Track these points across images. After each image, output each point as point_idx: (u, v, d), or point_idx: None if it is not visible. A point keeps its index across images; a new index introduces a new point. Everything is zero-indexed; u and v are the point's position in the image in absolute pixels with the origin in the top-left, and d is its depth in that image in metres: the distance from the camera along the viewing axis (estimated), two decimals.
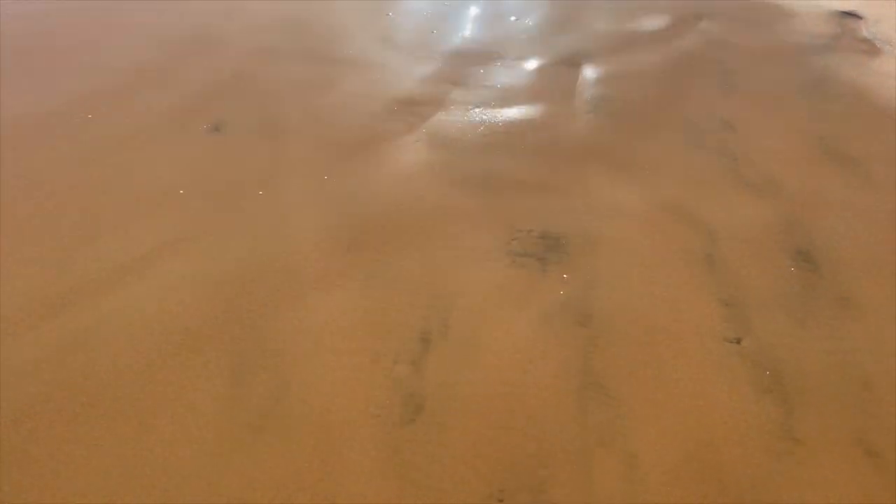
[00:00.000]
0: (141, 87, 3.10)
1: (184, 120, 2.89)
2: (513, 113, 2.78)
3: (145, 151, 2.72)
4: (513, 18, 3.42)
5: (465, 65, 3.13)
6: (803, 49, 3.01)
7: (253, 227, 2.34)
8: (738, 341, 1.85)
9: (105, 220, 2.43)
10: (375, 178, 2.52)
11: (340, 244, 2.25)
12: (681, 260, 2.09)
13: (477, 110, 2.83)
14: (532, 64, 3.07)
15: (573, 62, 3.06)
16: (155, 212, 2.44)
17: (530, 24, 3.36)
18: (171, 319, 2.05)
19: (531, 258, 2.14)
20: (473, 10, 3.52)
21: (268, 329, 2.04)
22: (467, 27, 3.38)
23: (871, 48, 2.92)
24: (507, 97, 2.89)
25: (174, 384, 1.86)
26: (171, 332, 2.01)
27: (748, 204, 2.26)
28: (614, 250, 2.14)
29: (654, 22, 3.29)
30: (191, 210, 2.43)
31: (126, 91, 3.04)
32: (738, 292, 1.98)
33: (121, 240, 2.34)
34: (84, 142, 2.79)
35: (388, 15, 3.54)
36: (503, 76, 3.02)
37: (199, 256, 2.25)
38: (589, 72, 2.98)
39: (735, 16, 3.27)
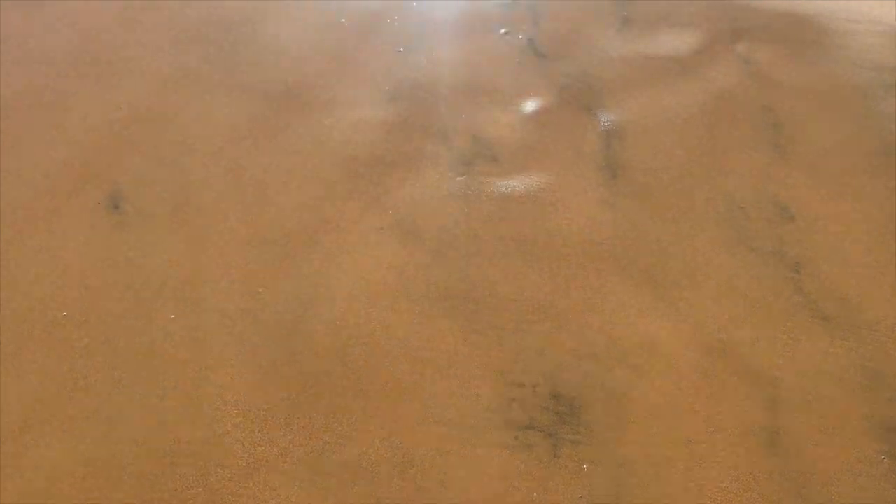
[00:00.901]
0: (6, 135, 2.39)
1: (70, 190, 2.24)
2: (506, 186, 2.22)
3: (13, 246, 2.08)
4: (503, 31, 2.77)
5: (443, 103, 2.51)
6: (868, 90, 2.48)
7: (159, 383, 1.78)
8: None
9: None
10: (327, 293, 1.96)
11: (277, 413, 1.72)
12: (738, 442, 1.64)
13: (460, 179, 2.25)
14: (530, 105, 2.47)
15: (582, 103, 2.47)
16: (21, 354, 1.85)
17: (525, 40, 2.72)
18: None
19: (538, 433, 1.66)
20: (452, 19, 2.84)
21: None
22: (445, 44, 2.72)
23: None
24: (499, 158, 2.31)
25: None
26: None
27: (818, 345, 1.80)
28: (649, 422, 1.67)
29: (680, 42, 2.69)
30: (75, 350, 1.85)
31: None
32: (817, 498, 1.55)
33: None
34: None
35: (341, 21, 2.84)
36: (493, 124, 2.42)
37: (86, 436, 1.69)
38: (603, 120, 2.40)
39: (779, 34, 2.69)
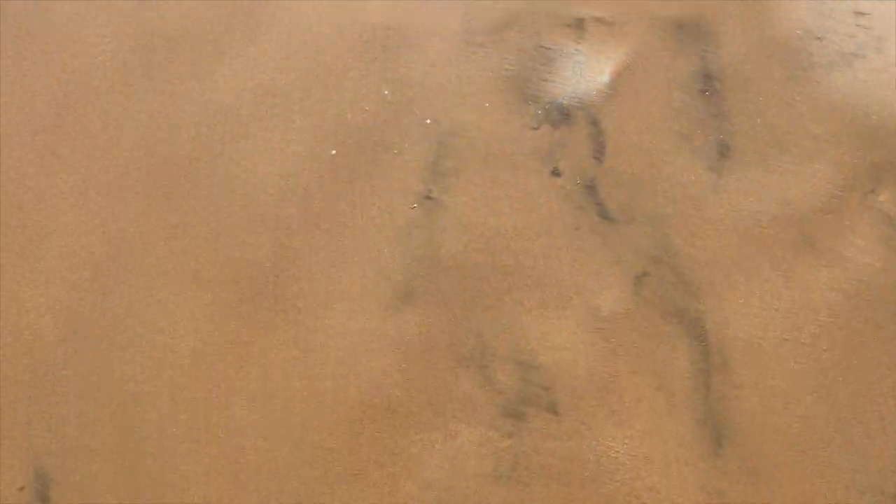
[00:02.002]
0: None
1: None
2: (571, 458, 1.69)
3: None
4: (552, 169, 2.10)
5: (476, 304, 1.92)
6: None
7: None
8: None
9: None
10: None
11: None
12: None
13: (506, 445, 1.72)
14: (596, 307, 1.88)
15: (668, 304, 1.88)
16: None
17: (583, 186, 2.07)
18: None
19: None
20: (481, 148, 2.16)
21: None
22: (472, 195, 2.07)
23: None
24: (558, 405, 1.76)
25: None
26: None
27: None
28: None
29: (801, 190, 2.02)
30: None
31: None
32: None
33: None
34: None
35: (331, 154, 2.17)
36: (546, 342, 1.85)
37: None
38: (698, 334, 1.83)
39: None
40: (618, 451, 1.74)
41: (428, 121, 2.28)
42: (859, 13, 2.35)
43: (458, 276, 2.00)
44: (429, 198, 2.14)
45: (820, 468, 1.72)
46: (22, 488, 1.78)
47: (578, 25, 2.40)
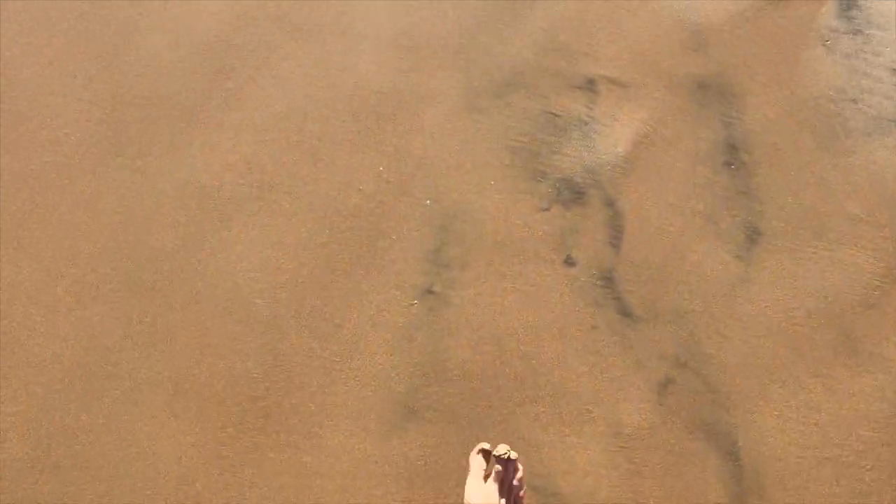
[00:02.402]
0: None
1: None
2: None
3: None
4: (565, 258, 1.93)
5: (488, 422, 1.76)
6: None
7: None
8: None
9: None
10: None
11: None
12: None
13: None
14: (619, 424, 1.73)
15: (698, 418, 1.73)
16: None
17: (600, 277, 1.89)
18: None
19: None
20: (487, 235, 1.98)
21: None
22: (477, 289, 1.90)
23: None
24: None
25: None
26: None
27: None
28: None
29: (841, 283, 1.86)
30: None
31: None
32: None
33: None
34: None
35: (322, 243, 1.99)
36: (566, 466, 1.70)
37: None
38: (730, 453, 1.68)
39: None
40: None
41: (428, 202, 2.10)
42: None
43: (465, 387, 1.84)
44: (431, 292, 1.97)
45: None
46: None
47: (590, 87, 2.22)
